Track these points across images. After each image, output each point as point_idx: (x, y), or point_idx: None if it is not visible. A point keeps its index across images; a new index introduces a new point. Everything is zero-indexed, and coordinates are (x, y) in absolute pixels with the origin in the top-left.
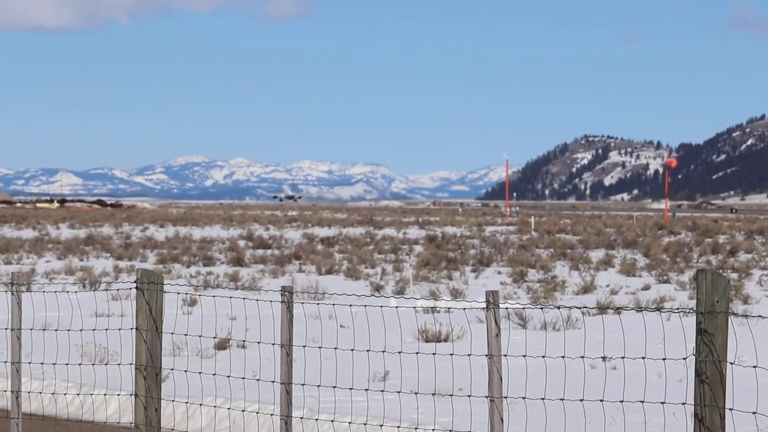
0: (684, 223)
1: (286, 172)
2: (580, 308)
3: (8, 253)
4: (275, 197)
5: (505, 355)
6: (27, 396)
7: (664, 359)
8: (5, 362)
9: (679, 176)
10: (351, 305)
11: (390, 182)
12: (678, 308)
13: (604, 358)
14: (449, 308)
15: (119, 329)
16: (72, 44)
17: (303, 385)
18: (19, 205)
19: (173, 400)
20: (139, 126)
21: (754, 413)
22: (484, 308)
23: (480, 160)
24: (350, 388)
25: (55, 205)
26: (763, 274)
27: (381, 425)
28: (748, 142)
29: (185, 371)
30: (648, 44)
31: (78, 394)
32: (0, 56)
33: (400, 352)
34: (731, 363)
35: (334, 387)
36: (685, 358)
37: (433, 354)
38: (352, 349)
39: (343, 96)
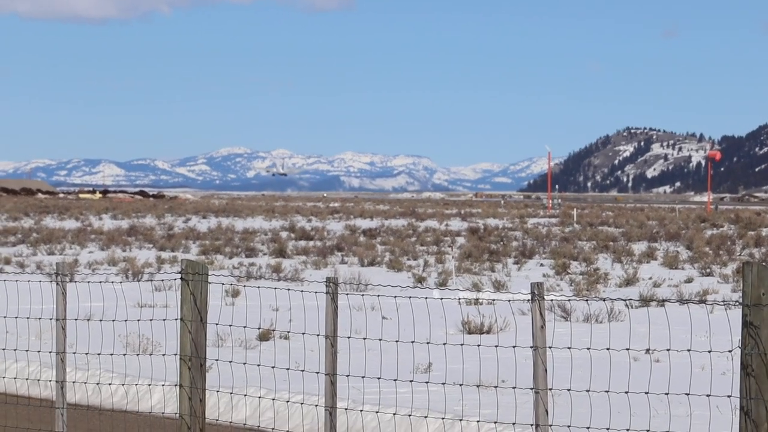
0: (727, 216)
1: (328, 164)
2: (624, 300)
3: (51, 243)
4: (268, 171)
5: (549, 347)
6: (71, 386)
7: (709, 352)
8: (50, 352)
9: (722, 169)
10: (395, 297)
11: (432, 174)
12: (722, 301)
13: (648, 351)
14: (493, 300)
15: (163, 320)
16: (114, 35)
17: (347, 376)
18: (61, 195)
19: (218, 391)
20: (181, 117)
21: None
22: (527, 300)
23: (522, 152)
24: (394, 380)
25: (98, 195)
26: None
27: (425, 416)
28: None
29: (229, 362)
30: (690, 37)
31: (122, 384)
32: (43, 47)
33: (444, 344)
34: None
35: (379, 378)
36: (730, 351)
37: (477, 345)
38: (396, 341)
39: (385, 88)
